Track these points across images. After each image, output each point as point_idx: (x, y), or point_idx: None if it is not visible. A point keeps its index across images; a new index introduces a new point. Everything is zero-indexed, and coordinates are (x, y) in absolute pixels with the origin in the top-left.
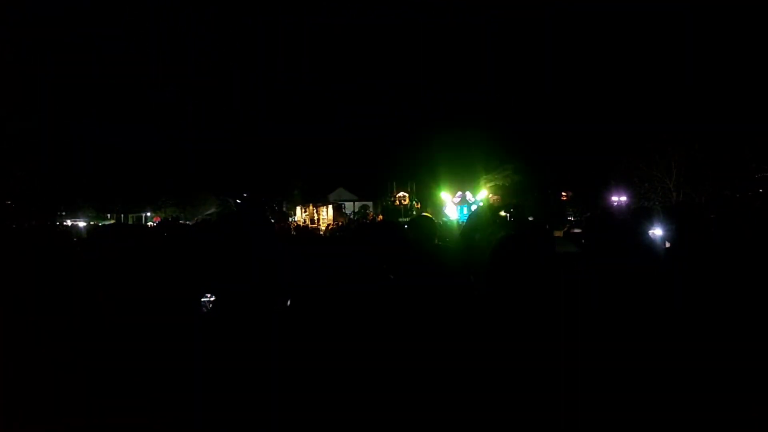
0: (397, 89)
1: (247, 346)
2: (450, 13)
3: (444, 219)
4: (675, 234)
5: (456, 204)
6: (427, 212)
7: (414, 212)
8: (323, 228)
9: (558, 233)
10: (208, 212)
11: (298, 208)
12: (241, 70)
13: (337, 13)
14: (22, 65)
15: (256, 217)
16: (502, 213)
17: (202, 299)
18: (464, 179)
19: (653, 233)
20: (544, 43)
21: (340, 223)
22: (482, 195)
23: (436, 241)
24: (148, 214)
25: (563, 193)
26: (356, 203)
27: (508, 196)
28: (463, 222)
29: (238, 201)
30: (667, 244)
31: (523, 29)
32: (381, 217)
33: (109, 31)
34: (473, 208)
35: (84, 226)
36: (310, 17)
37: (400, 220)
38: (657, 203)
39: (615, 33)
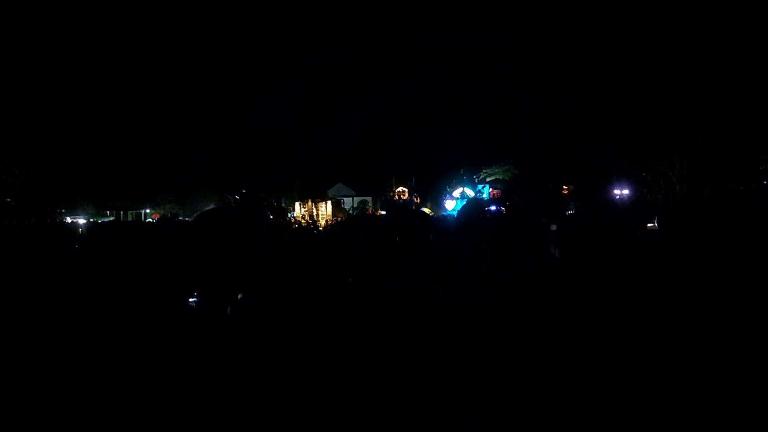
0: (396, 84)
1: (237, 347)
2: (450, 8)
3: (443, 213)
4: (664, 226)
5: (456, 198)
6: (426, 207)
7: (413, 207)
8: (322, 223)
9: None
10: (207, 209)
11: (297, 204)
12: (241, 66)
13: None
14: (22, 65)
15: (254, 217)
16: (493, 207)
17: (190, 300)
18: (464, 174)
19: (652, 226)
20: (543, 39)
21: (338, 219)
22: (482, 189)
23: (431, 236)
24: (147, 210)
25: (564, 187)
26: (355, 198)
27: (508, 190)
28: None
29: (236, 197)
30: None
31: (523, 25)
32: (381, 212)
33: (107, 30)
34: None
35: (84, 223)
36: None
37: None
38: (660, 196)
39: (617, 25)
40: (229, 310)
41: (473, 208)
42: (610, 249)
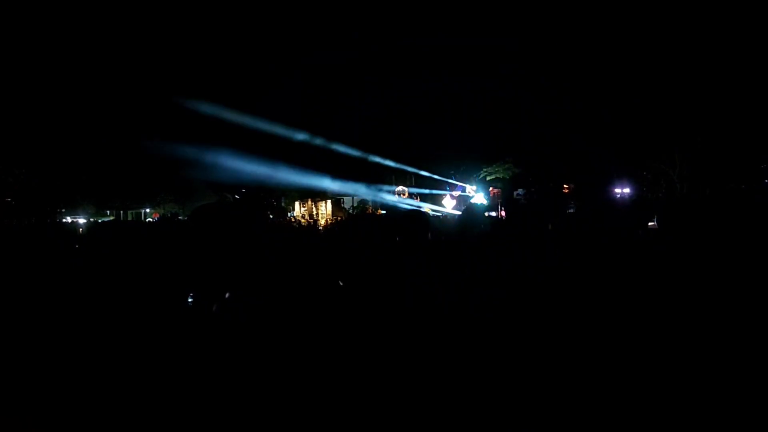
0: (397, 84)
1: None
2: (450, 8)
3: (444, 212)
4: (665, 226)
5: (455, 198)
6: (426, 206)
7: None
8: (322, 223)
9: None
10: (201, 204)
11: (297, 203)
12: (241, 66)
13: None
14: (22, 63)
15: (253, 216)
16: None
17: (189, 299)
18: (464, 172)
19: (653, 225)
20: (543, 39)
21: (339, 218)
22: (482, 188)
23: (430, 236)
24: (147, 210)
25: (564, 186)
26: (355, 198)
27: (508, 190)
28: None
29: (236, 196)
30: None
31: (523, 25)
32: (380, 211)
33: (107, 29)
34: (476, 199)
35: (84, 223)
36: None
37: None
38: (661, 195)
39: (617, 23)
40: (227, 309)
41: (474, 213)
42: (611, 249)
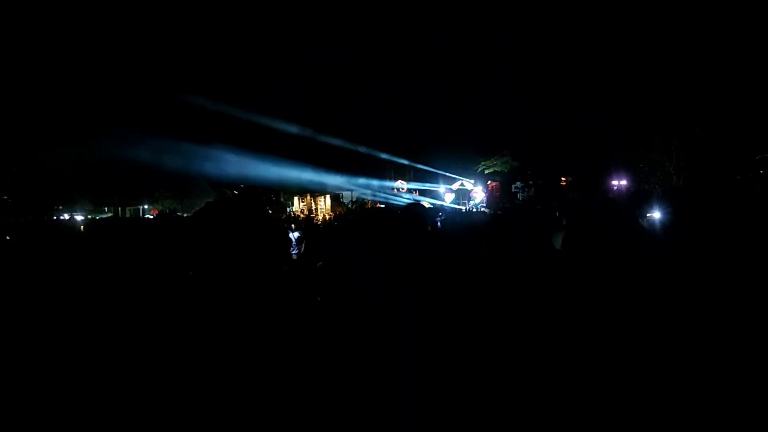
0: (395, 79)
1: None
2: (450, 8)
3: (443, 207)
4: (669, 222)
5: (454, 192)
6: (425, 201)
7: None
8: (320, 219)
9: None
10: (205, 204)
11: (296, 199)
12: (241, 66)
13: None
14: (21, 63)
15: (254, 214)
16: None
17: (189, 297)
18: (463, 166)
19: (651, 217)
20: (540, 27)
21: (338, 213)
22: (481, 182)
23: (429, 228)
24: (146, 206)
25: (563, 179)
26: (354, 193)
27: (507, 183)
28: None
29: (235, 192)
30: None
31: (521, 12)
32: (379, 205)
33: (105, 27)
34: (473, 195)
35: (81, 220)
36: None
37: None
38: (657, 187)
39: (615, 18)
40: (227, 306)
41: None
42: (613, 248)
